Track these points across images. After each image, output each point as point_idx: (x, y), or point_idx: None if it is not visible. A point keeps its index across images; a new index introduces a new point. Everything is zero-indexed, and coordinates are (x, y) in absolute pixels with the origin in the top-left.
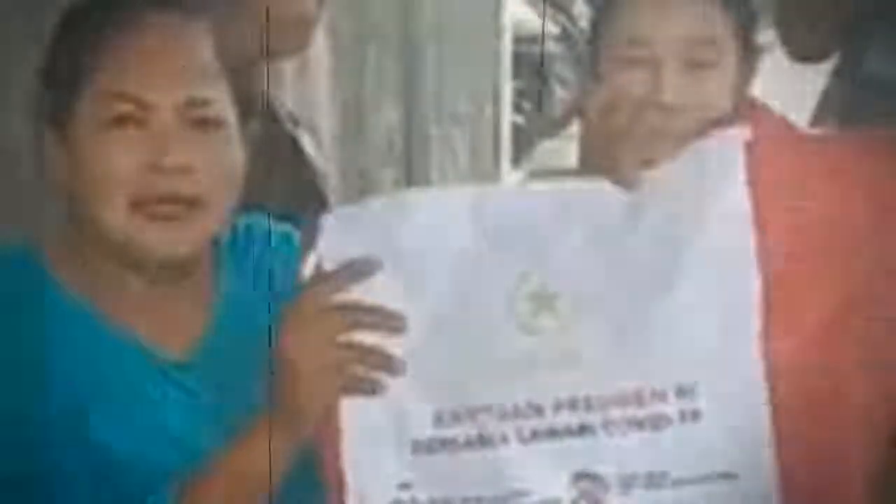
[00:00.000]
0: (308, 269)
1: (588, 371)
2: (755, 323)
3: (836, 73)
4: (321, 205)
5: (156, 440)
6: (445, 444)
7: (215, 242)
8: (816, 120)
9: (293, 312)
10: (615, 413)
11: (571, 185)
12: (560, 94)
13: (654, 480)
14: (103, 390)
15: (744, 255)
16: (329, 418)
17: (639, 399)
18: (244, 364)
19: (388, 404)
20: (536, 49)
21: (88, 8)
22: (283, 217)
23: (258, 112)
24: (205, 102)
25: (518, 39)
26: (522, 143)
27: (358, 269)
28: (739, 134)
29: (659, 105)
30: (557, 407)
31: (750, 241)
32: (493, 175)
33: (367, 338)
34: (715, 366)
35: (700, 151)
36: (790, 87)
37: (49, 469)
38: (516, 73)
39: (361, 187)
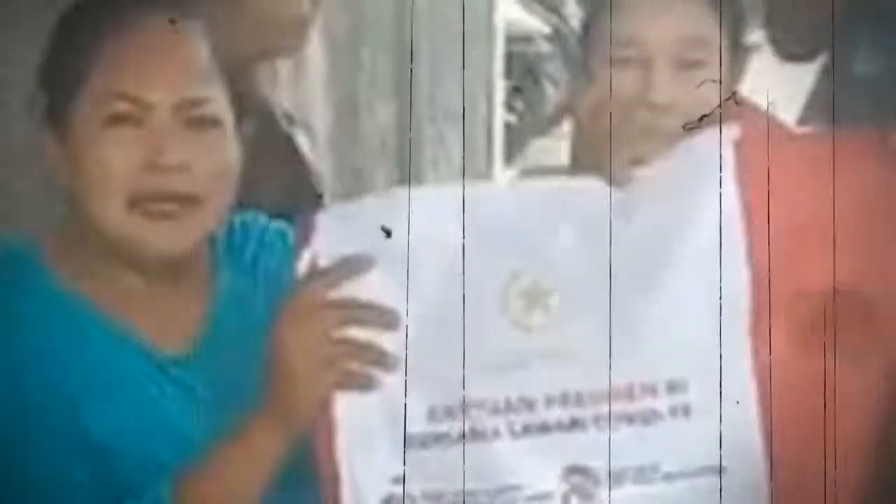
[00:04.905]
0: (303, 265)
1: (579, 367)
2: (745, 319)
3: (825, 73)
4: (316, 202)
5: (153, 435)
6: (438, 438)
7: (211, 240)
8: (805, 119)
9: (288, 309)
10: (606, 408)
11: (563, 183)
12: (552, 94)
13: (644, 474)
14: (101, 386)
15: (733, 251)
16: (323, 413)
17: (629, 394)
18: (240, 360)
19: (382, 399)
20: (529, 49)
21: (86, 8)
22: (278, 214)
23: (254, 111)
24: (201, 102)
25: (510, 39)
26: (515, 142)
27: (352, 266)
28: (729, 132)
29: (649, 104)
30: (549, 402)
31: (739, 238)
32: (485, 173)
33: (361, 334)
34: (705, 361)
35: (690, 150)
36: (779, 86)
37: (46, 464)
38: (509, 73)
39: (356, 185)
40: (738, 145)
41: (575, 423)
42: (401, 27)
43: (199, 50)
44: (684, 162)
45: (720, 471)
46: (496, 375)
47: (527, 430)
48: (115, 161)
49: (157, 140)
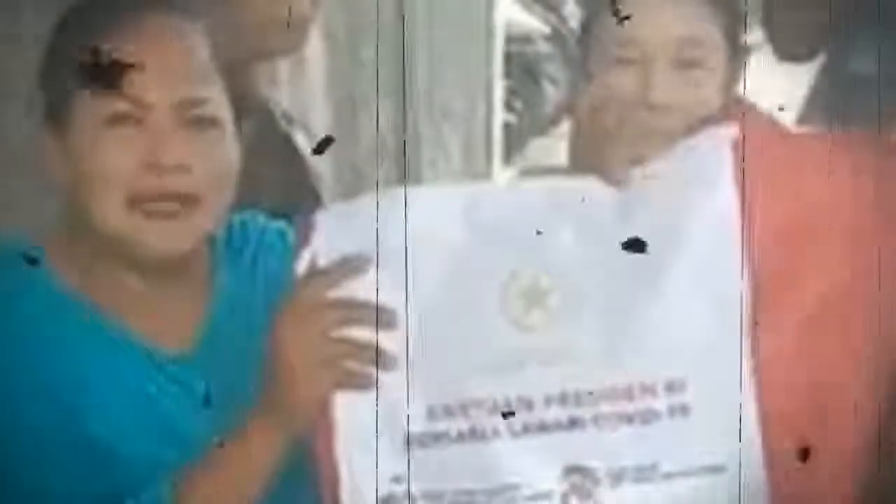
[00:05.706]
0: (302, 265)
1: (578, 366)
2: (743, 318)
3: (823, 73)
4: (315, 202)
5: (152, 435)
6: (438, 438)
7: (211, 239)
8: (803, 118)
9: (287, 308)
10: (605, 407)
11: (562, 182)
12: (551, 94)
13: (643, 474)
14: (100, 386)
15: (732, 251)
16: (323, 413)
17: (628, 394)
18: (239, 359)
19: (382, 399)
20: (528, 49)
21: (87, 8)
22: (277, 214)
23: (253, 111)
24: (201, 102)
25: (510, 39)
26: (514, 142)
27: (351, 266)
28: (727, 132)
29: (648, 104)
30: (548, 401)
31: (738, 237)
32: (484, 173)
33: (360, 333)
34: (704, 361)
35: (689, 150)
36: (778, 86)
37: (45, 463)
38: (508, 73)
39: (355, 185)
40: (737, 145)
41: (574, 423)
42: (400, 27)
43: (199, 50)
44: (683, 162)
45: (720, 471)
46: (495, 375)
47: (526, 429)
48: (115, 161)
49: (157, 140)
